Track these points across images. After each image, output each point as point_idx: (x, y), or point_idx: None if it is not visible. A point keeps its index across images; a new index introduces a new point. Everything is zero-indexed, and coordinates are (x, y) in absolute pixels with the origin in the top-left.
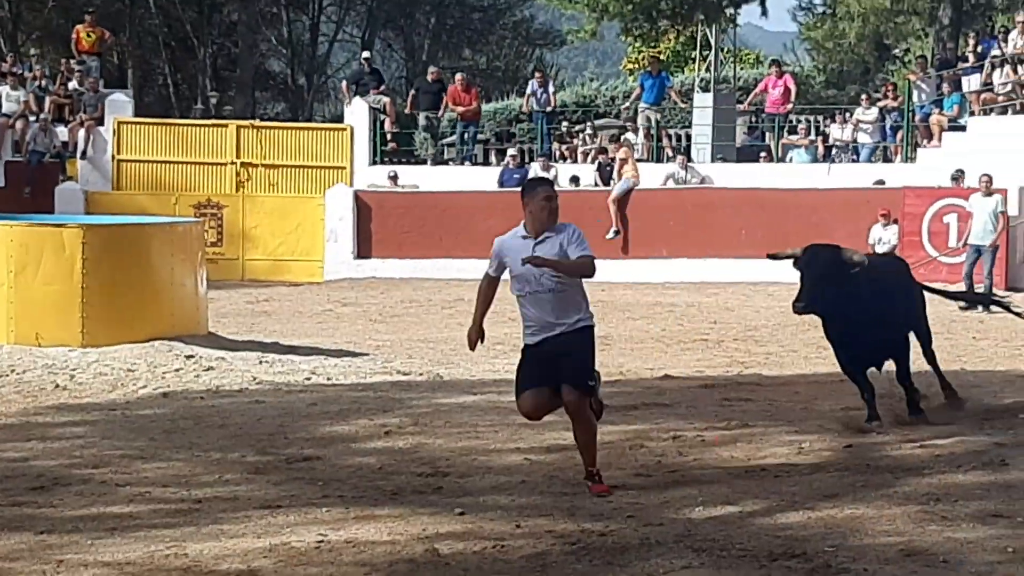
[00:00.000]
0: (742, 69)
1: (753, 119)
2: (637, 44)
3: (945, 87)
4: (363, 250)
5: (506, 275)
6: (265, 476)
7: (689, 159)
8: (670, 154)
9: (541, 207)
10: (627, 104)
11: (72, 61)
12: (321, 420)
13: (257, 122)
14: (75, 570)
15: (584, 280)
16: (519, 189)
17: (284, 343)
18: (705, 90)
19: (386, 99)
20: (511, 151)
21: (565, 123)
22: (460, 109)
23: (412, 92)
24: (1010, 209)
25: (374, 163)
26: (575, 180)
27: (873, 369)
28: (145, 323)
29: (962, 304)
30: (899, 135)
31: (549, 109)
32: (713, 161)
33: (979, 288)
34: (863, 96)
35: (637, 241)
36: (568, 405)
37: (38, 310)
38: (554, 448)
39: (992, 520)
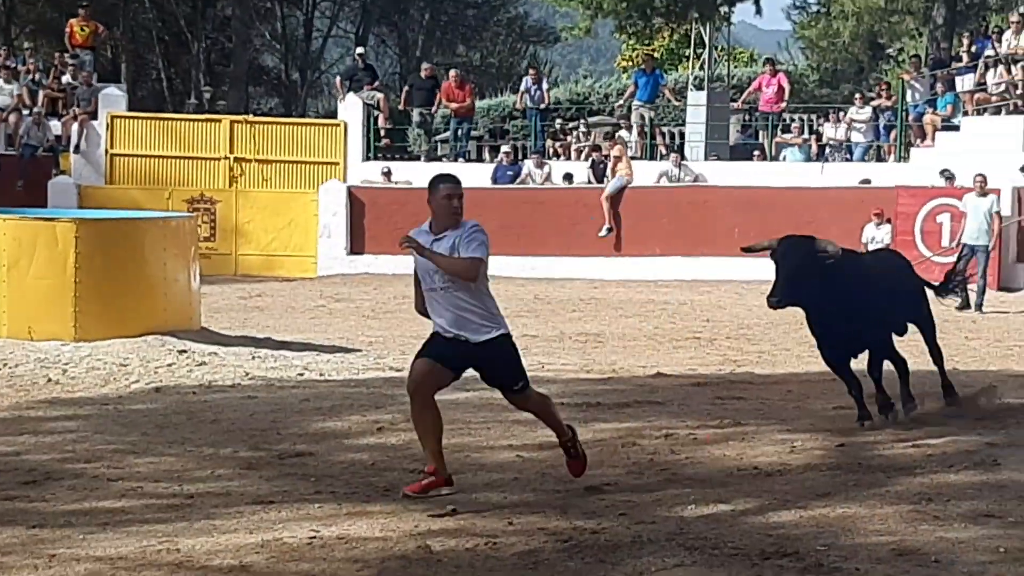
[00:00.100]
0: (736, 67)
1: (747, 118)
2: (631, 42)
3: (939, 87)
4: (356, 246)
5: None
6: (257, 472)
7: (683, 157)
8: (663, 152)
9: (443, 205)
10: (621, 102)
11: (66, 55)
12: (314, 416)
13: (251, 117)
14: (67, 564)
15: (579, 277)
16: (511, 186)
17: (277, 339)
18: (699, 88)
19: (380, 95)
20: (505, 148)
21: (559, 120)
22: (454, 105)
23: (406, 88)
24: (1002, 209)
25: (367, 159)
26: (568, 177)
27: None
28: (138, 318)
29: (957, 304)
30: (892, 134)
31: (543, 106)
32: (706, 159)
33: (972, 288)
34: (857, 95)
35: (630, 239)
36: (514, 404)
37: (31, 304)
38: (547, 445)
39: (984, 520)
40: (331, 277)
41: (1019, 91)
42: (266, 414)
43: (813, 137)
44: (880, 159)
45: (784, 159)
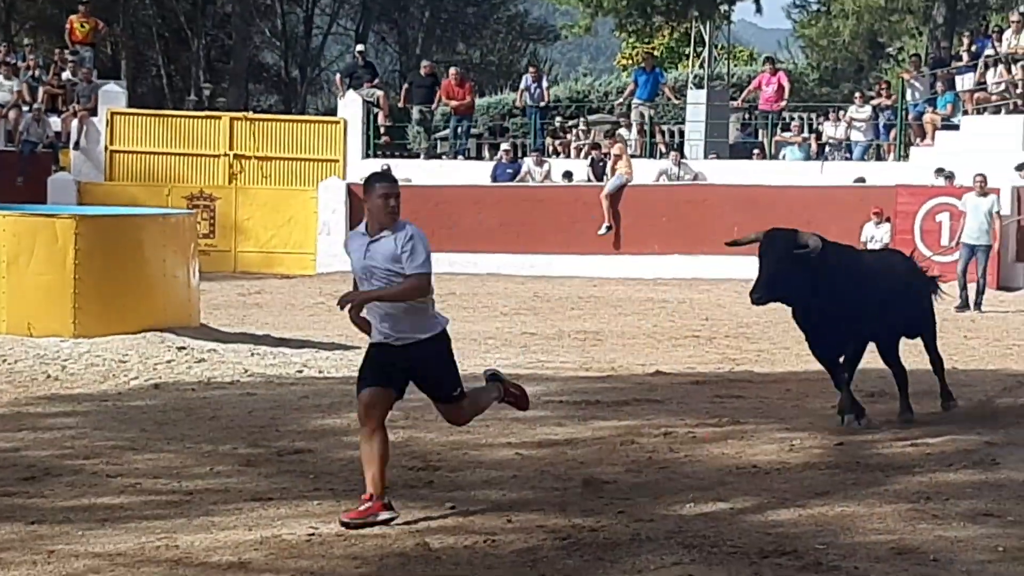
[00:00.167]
0: (736, 66)
1: (746, 116)
2: (631, 40)
3: (939, 86)
4: None
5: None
6: (256, 468)
7: (682, 155)
8: (663, 150)
9: (379, 205)
10: (621, 100)
11: (66, 51)
12: (312, 413)
13: (250, 114)
14: (66, 561)
15: (578, 275)
16: (511, 184)
17: (276, 335)
18: (699, 87)
19: (379, 92)
20: (504, 146)
21: (558, 118)
22: (453, 103)
23: (405, 86)
24: (1002, 209)
25: (367, 156)
26: (568, 175)
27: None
28: (137, 314)
29: (957, 304)
30: (892, 133)
31: (542, 104)
32: (706, 158)
33: (971, 287)
34: (856, 94)
35: (629, 237)
36: (447, 418)
37: (30, 300)
38: (545, 443)
39: (982, 519)
40: (330, 274)
41: (1019, 90)
42: (265, 411)
43: (813, 136)
44: (880, 158)
45: (784, 158)
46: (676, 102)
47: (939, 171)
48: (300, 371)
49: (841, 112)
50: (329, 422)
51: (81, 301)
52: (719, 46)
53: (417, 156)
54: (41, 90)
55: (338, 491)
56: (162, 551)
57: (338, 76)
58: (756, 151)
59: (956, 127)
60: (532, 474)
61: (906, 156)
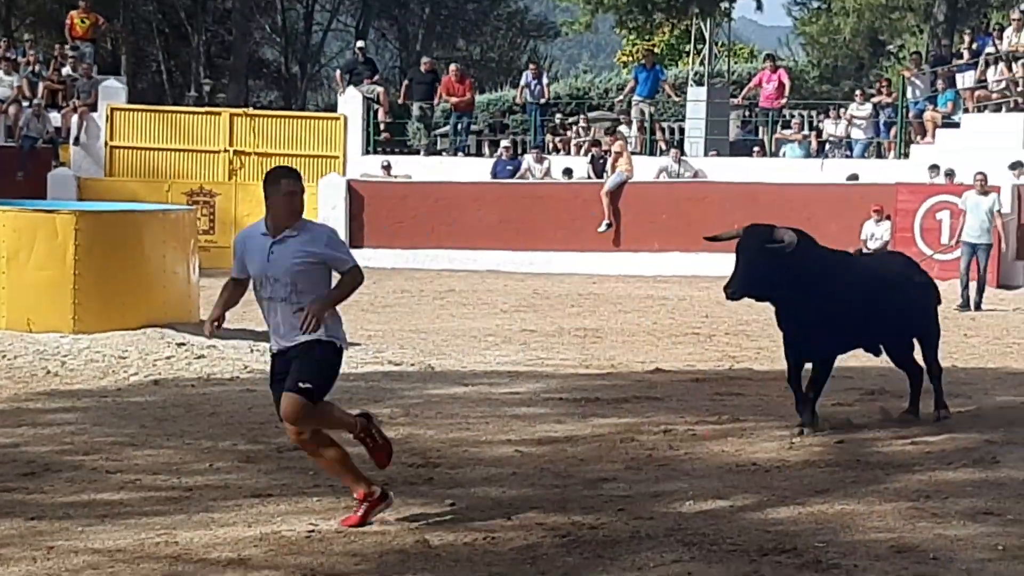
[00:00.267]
0: (736, 63)
1: (747, 113)
2: (631, 37)
3: (939, 84)
4: (355, 239)
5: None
6: (256, 465)
7: (682, 153)
8: (663, 147)
9: (282, 202)
10: (621, 97)
11: (66, 47)
12: None
13: (250, 110)
14: (65, 556)
15: (578, 272)
16: (511, 181)
17: None
18: (699, 84)
19: (380, 89)
20: (504, 142)
21: (559, 115)
22: (453, 100)
23: (406, 82)
24: (1003, 207)
25: (367, 153)
26: (568, 172)
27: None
28: (137, 310)
29: (957, 304)
30: (893, 131)
31: (543, 101)
32: (706, 155)
33: (973, 285)
34: (857, 92)
35: (629, 234)
36: (282, 408)
37: (30, 296)
38: (545, 440)
39: (982, 517)
40: None
41: (1020, 88)
42: (265, 407)
43: (813, 133)
44: (880, 156)
45: (784, 155)
46: (676, 99)
47: (933, 167)
48: None
49: (841, 110)
50: None
51: (81, 297)
52: (719, 43)
53: (417, 152)
54: (41, 85)
55: (337, 488)
56: (161, 547)
57: (338, 72)
58: (756, 148)
59: (957, 125)
60: (532, 471)
61: (906, 154)
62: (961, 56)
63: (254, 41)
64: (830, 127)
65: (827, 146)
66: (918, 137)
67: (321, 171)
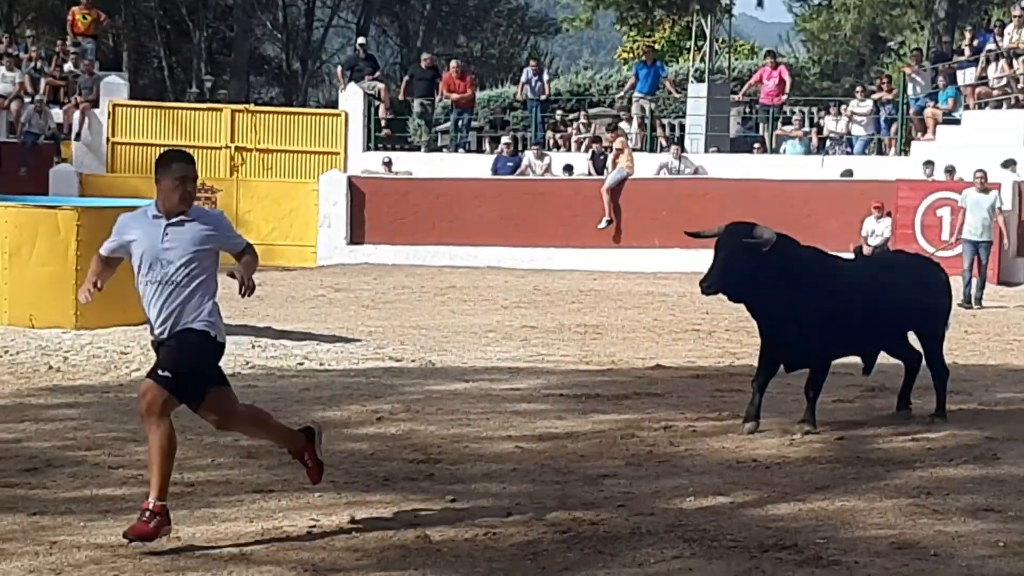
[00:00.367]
0: (737, 60)
1: (747, 110)
2: (632, 33)
3: (940, 80)
4: (356, 236)
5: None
6: (258, 460)
7: (683, 149)
8: (664, 144)
9: (173, 187)
10: (621, 93)
11: (68, 43)
12: (313, 405)
13: (252, 106)
14: (68, 552)
15: (578, 268)
16: (511, 177)
17: (277, 328)
18: (700, 80)
19: (380, 85)
20: (505, 139)
21: (559, 111)
22: (454, 96)
23: (406, 78)
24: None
25: (368, 149)
26: (569, 169)
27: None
28: (138, 306)
29: (959, 302)
30: (893, 128)
31: (543, 97)
32: (707, 151)
33: (975, 282)
34: (858, 88)
35: (630, 231)
36: (142, 397)
37: (32, 292)
38: (545, 436)
39: (983, 514)
40: (331, 267)
41: (1020, 85)
42: (266, 403)
43: (814, 130)
44: (881, 152)
45: (784, 152)
46: (677, 96)
47: (927, 163)
48: (301, 363)
49: (842, 106)
50: (330, 414)
51: None
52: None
53: (418, 149)
54: (43, 81)
55: (339, 483)
56: (164, 542)
57: (339, 69)
58: (757, 145)
59: (957, 122)
60: (532, 467)
61: (907, 151)
62: (962, 53)
63: (255, 37)
64: (831, 124)
65: (828, 143)
66: (919, 134)
67: (322, 167)
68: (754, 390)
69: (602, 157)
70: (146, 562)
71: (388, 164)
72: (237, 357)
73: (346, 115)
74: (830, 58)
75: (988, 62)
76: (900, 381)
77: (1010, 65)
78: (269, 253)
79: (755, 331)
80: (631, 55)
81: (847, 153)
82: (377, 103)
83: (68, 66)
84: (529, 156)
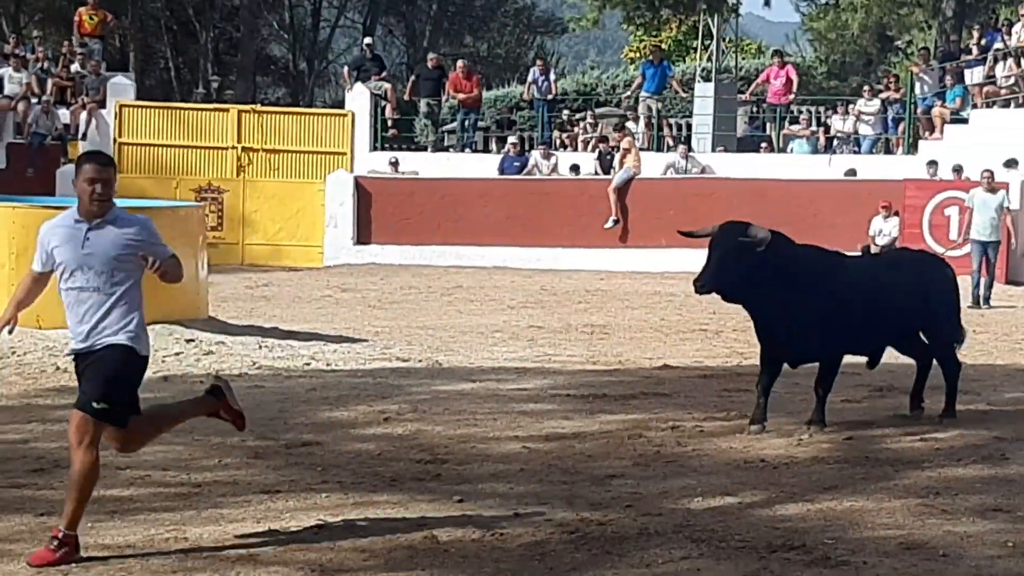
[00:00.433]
0: (744, 59)
1: (754, 109)
2: (639, 33)
3: (948, 79)
4: (363, 236)
5: None
6: (264, 461)
7: (690, 149)
8: (671, 143)
9: (84, 189)
10: (628, 93)
11: (74, 43)
12: (320, 406)
13: (258, 107)
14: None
15: (585, 268)
16: (518, 177)
17: (283, 328)
18: (706, 80)
19: (387, 85)
20: (511, 139)
21: (566, 111)
22: (461, 96)
23: (413, 78)
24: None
25: (375, 149)
26: (575, 168)
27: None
28: (145, 306)
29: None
30: (901, 127)
31: (550, 97)
32: (714, 151)
33: (983, 282)
34: (865, 87)
35: (636, 230)
36: (71, 427)
37: None
38: (552, 437)
39: (992, 514)
40: (338, 267)
41: None
42: (273, 403)
43: (821, 129)
44: (888, 152)
45: (791, 151)
46: (684, 95)
47: (931, 163)
48: (308, 364)
49: (849, 106)
50: (337, 415)
51: None
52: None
53: (424, 149)
54: (50, 82)
55: (346, 483)
56: (171, 543)
57: (346, 69)
58: (764, 144)
59: (965, 121)
60: (539, 468)
61: (915, 150)
62: (970, 52)
63: (262, 38)
64: (838, 123)
65: (835, 142)
66: (926, 133)
67: (329, 167)
68: (759, 392)
69: (609, 157)
70: (153, 563)
71: (395, 164)
72: (244, 357)
73: (352, 115)
74: (837, 57)
75: (996, 61)
76: (908, 381)
77: (1018, 64)
78: (276, 253)
79: None
80: (638, 55)
81: (854, 152)
82: (383, 103)
83: (75, 67)
84: (536, 156)
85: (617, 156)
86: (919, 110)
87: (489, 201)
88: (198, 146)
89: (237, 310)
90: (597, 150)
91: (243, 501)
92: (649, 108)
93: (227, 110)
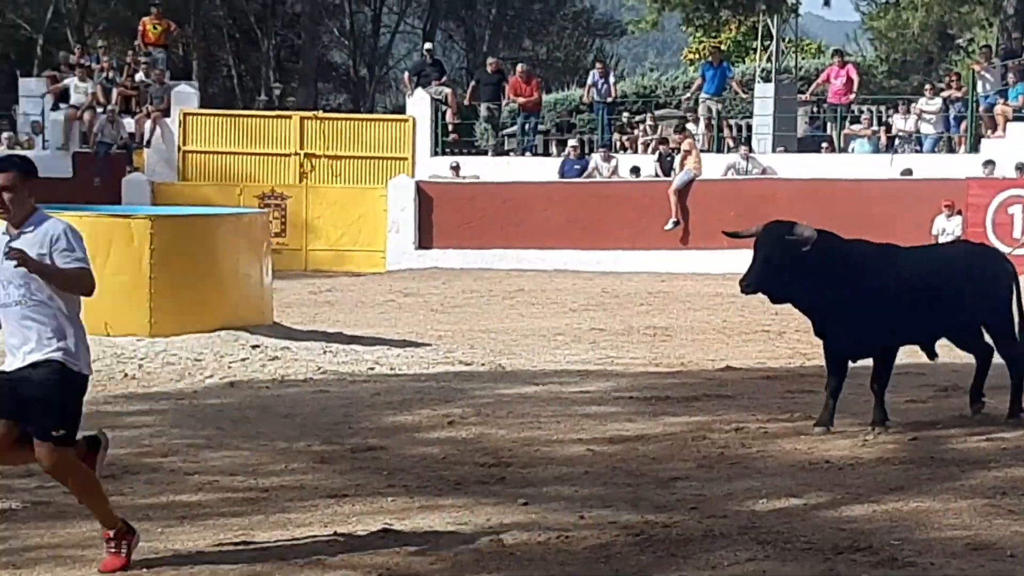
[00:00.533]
0: (804, 59)
1: (815, 109)
2: (698, 34)
3: (1010, 77)
4: (425, 240)
5: None
6: (330, 465)
7: (750, 150)
8: (731, 144)
9: None
10: (688, 94)
11: (138, 53)
12: (385, 410)
13: (320, 113)
14: (145, 557)
15: (646, 270)
16: (578, 180)
17: (347, 333)
18: (766, 80)
19: (447, 90)
20: (571, 142)
21: (626, 114)
22: (521, 100)
23: (473, 83)
24: None
25: (436, 154)
26: (636, 171)
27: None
28: (211, 313)
29: None
30: (963, 125)
31: (609, 100)
32: (774, 151)
33: None
34: (926, 86)
35: (697, 232)
36: (40, 463)
37: (107, 300)
38: (616, 439)
39: None
40: (400, 272)
41: None
42: (338, 408)
43: (882, 129)
44: (951, 150)
45: (852, 151)
46: (744, 96)
47: (987, 163)
48: (372, 368)
49: (911, 104)
50: (401, 419)
51: (157, 300)
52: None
53: (485, 153)
54: (115, 91)
55: (411, 487)
56: (239, 548)
57: (406, 74)
58: (825, 144)
59: None
60: (604, 470)
61: (977, 148)
62: None
63: (323, 45)
64: (899, 122)
65: (896, 141)
66: (989, 131)
67: (390, 173)
68: (827, 395)
69: (669, 159)
70: (222, 568)
71: (456, 169)
72: (308, 363)
73: (413, 120)
74: (898, 56)
75: None
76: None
77: None
78: (339, 259)
79: None
80: (697, 56)
81: (916, 151)
82: (444, 108)
83: (139, 76)
84: (596, 159)
85: (677, 158)
86: (981, 108)
87: (550, 204)
88: (261, 153)
89: (301, 315)
90: (657, 152)
91: (310, 505)
92: (709, 109)
93: (289, 117)
